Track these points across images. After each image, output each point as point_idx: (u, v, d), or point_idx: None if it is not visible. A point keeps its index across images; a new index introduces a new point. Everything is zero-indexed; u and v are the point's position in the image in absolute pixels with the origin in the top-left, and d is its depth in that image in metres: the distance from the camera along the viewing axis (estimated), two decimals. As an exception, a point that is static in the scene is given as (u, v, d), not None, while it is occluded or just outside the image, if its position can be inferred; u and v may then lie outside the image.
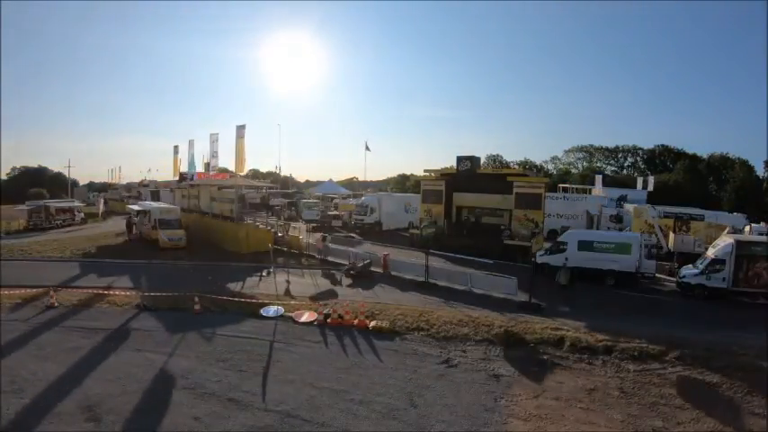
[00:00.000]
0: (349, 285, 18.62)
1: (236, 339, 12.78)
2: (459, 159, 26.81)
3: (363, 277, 19.31)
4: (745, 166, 56.94)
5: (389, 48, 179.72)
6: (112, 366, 11.09)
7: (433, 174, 28.53)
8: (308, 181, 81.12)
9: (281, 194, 49.58)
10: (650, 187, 41.86)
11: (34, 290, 16.66)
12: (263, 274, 20.09)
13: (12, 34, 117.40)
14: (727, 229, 21.18)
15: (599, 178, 43.33)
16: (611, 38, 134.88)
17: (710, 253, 17.55)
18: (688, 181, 54.55)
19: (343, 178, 66.64)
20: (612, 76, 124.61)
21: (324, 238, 23.82)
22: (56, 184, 71.75)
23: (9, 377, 10.35)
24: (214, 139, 31.02)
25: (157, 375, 10.61)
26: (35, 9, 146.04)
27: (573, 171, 69.78)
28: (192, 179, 34.01)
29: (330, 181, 50.38)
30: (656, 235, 21.97)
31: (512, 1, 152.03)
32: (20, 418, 8.85)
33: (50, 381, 10.31)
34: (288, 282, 18.29)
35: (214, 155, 31.64)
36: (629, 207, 29.01)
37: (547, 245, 21.69)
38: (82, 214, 38.32)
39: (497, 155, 76.53)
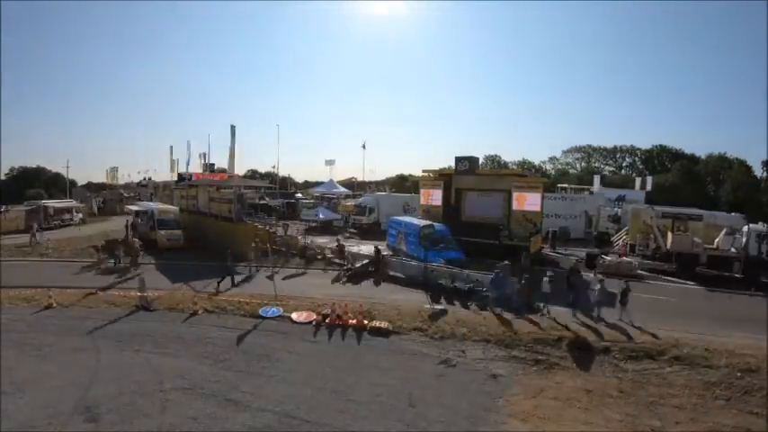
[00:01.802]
0: (347, 285, 18.63)
1: (235, 339, 12.78)
2: (458, 160, 26.81)
3: (362, 277, 19.30)
4: (743, 167, 57.06)
5: (388, 49, 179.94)
6: (111, 366, 11.09)
7: (431, 174, 28.50)
8: (306, 182, 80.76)
9: (279, 195, 49.70)
10: (648, 187, 41.93)
11: (33, 290, 16.64)
12: (265, 274, 20.06)
13: (11, 33, 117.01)
14: (725, 230, 21.23)
15: (597, 178, 43.41)
16: (611, 38, 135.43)
17: None
18: (686, 181, 54.62)
19: (342, 178, 66.26)
20: (611, 76, 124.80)
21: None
22: (54, 184, 71.49)
23: (8, 377, 10.34)
24: (212, 140, 31.10)
25: (156, 375, 10.60)
26: (34, 8, 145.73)
27: (571, 171, 69.77)
28: (190, 179, 33.99)
29: (330, 181, 50.09)
30: (655, 235, 21.99)
31: (511, 0, 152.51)
32: (19, 418, 8.83)
33: (49, 381, 10.30)
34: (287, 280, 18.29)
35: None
36: (627, 207, 29.05)
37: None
38: (80, 214, 38.23)
39: (496, 155, 76.64)
